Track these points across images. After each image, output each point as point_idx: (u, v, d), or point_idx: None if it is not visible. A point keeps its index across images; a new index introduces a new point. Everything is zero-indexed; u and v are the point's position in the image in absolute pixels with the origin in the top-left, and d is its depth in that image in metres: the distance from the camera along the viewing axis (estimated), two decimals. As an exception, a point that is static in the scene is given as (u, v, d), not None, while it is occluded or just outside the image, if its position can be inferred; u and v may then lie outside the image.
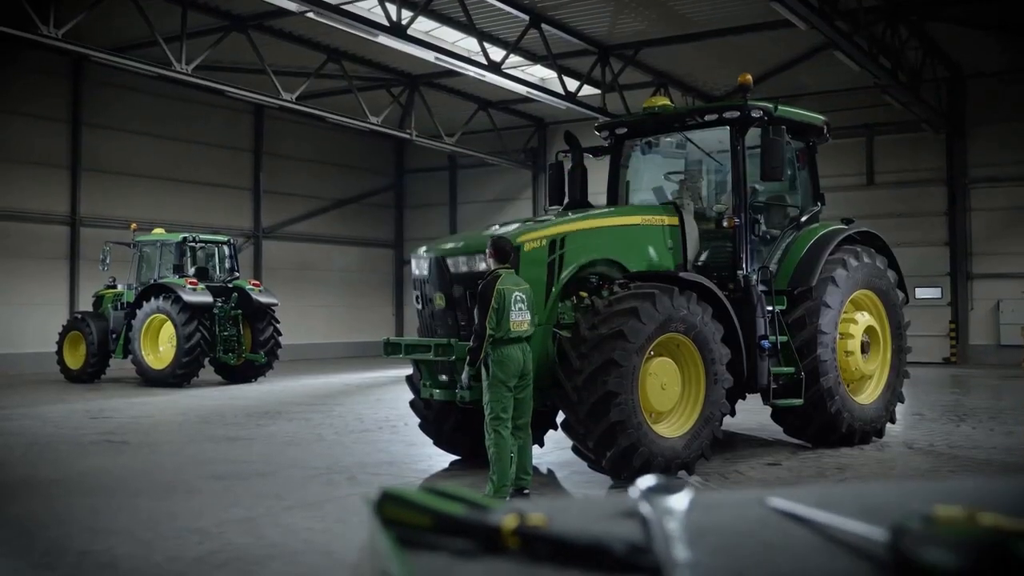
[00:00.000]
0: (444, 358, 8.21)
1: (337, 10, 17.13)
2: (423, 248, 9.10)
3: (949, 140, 25.63)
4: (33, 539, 6.61)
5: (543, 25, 21.17)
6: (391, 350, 8.77)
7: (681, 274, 9.04)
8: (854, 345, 10.45)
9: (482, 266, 8.39)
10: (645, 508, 1.01)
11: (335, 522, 7.04)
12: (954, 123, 25.37)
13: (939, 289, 25.14)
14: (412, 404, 9.66)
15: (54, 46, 17.99)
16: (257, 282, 21.25)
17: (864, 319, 10.66)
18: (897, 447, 10.39)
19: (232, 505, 7.62)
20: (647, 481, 1.09)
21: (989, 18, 21.21)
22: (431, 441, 9.84)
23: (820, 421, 10.10)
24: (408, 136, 26.32)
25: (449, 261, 8.58)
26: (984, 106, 25.29)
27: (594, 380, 8.05)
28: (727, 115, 9.85)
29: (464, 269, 8.50)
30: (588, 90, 24.05)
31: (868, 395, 10.73)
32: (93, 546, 6.35)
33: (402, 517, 0.97)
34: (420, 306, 8.94)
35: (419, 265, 8.90)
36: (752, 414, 12.22)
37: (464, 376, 7.84)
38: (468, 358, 7.75)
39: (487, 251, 8.01)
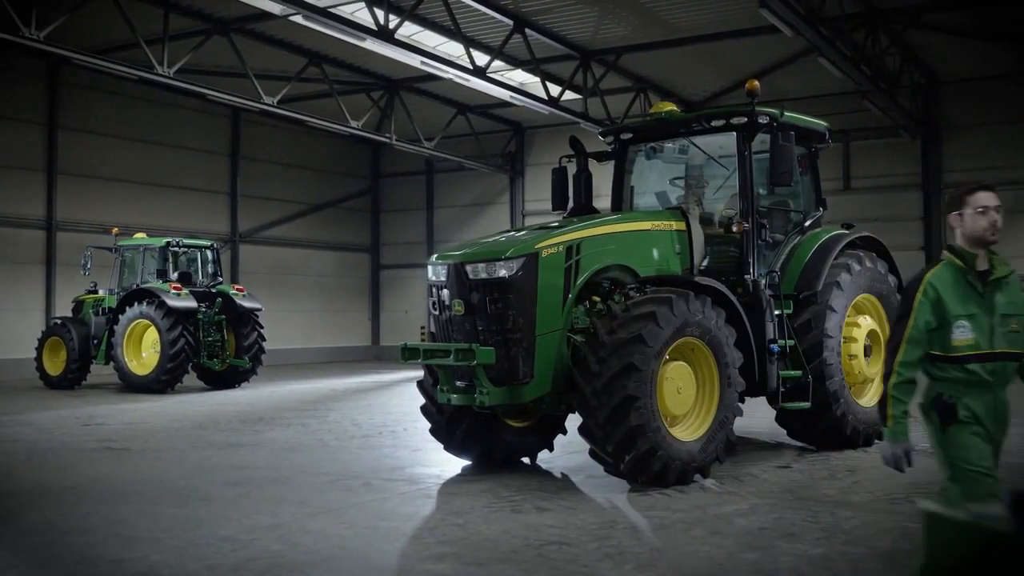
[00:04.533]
0: (465, 363, 8.21)
1: (325, 14, 17.09)
2: (436, 255, 9.08)
3: (924, 145, 25.98)
4: (62, 548, 6.55)
5: (526, 30, 21.23)
6: (409, 355, 8.76)
7: (696, 278, 9.10)
8: (857, 349, 10.57)
9: (501, 272, 8.41)
10: None
11: (364, 528, 7.01)
12: (929, 128, 25.73)
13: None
14: (423, 409, 9.65)
15: (34, 48, 17.77)
16: (241, 287, 21.09)
17: (866, 323, 10.78)
18: (900, 449, 10.50)
19: (255, 512, 7.57)
20: None
21: (964, 25, 21.54)
22: (437, 446, 9.84)
23: (826, 424, 10.20)
24: (387, 140, 26.27)
25: (468, 267, 8.57)
26: (959, 112, 25.67)
27: (613, 384, 8.09)
28: (734, 121, 9.92)
29: (483, 275, 8.49)
30: (568, 95, 24.14)
31: (870, 398, 10.83)
32: (126, 554, 6.29)
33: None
34: (436, 312, 8.93)
35: (436, 271, 8.89)
36: (745, 418, 12.30)
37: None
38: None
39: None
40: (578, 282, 8.79)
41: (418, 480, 9.06)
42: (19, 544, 6.70)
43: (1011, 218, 25.01)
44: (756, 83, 9.91)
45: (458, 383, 8.65)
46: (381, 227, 35.03)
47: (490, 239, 9.26)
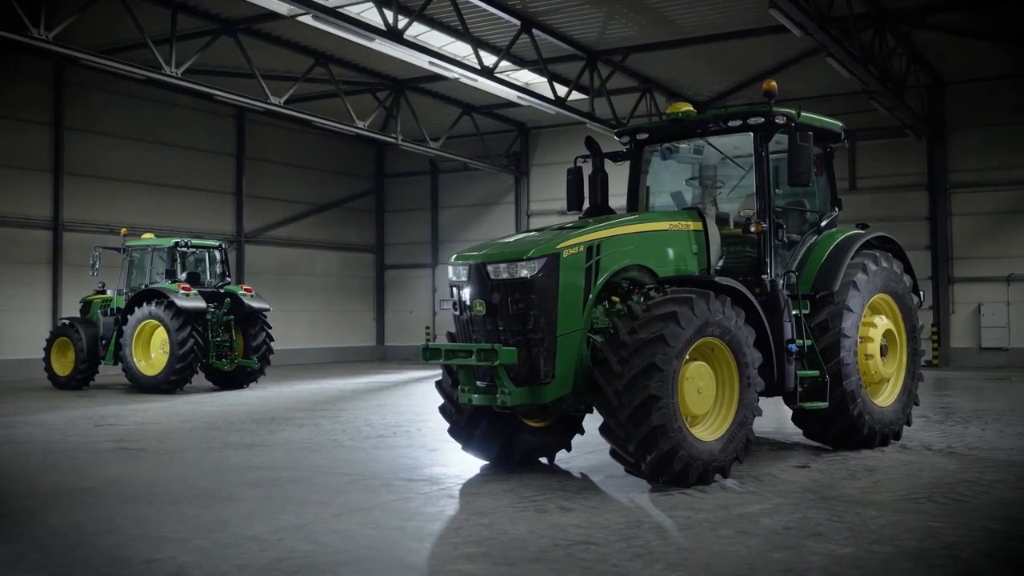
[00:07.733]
0: (488, 363, 8.22)
1: (335, 14, 17.10)
2: (456, 255, 9.08)
3: (930, 145, 26.05)
4: (90, 548, 6.54)
5: (533, 30, 21.25)
6: (430, 355, 8.76)
7: (716, 278, 9.11)
8: (873, 348, 10.58)
9: (523, 272, 8.42)
10: None
11: (391, 529, 7.01)
12: (935, 129, 25.77)
13: (921, 293, 25.41)
14: (442, 409, 9.65)
15: (40, 48, 17.80)
16: (249, 287, 21.08)
17: (882, 323, 10.81)
18: (917, 449, 10.53)
19: (279, 512, 7.57)
20: None
21: (970, 27, 21.58)
22: (453, 445, 9.85)
23: (842, 424, 10.21)
24: (393, 140, 26.29)
25: (490, 268, 8.58)
26: (964, 112, 25.75)
27: (635, 384, 8.09)
28: (751, 121, 9.93)
29: (505, 276, 8.50)
30: (574, 95, 24.16)
31: (885, 398, 10.86)
32: (155, 555, 6.30)
33: None
34: (457, 312, 8.93)
35: (456, 271, 8.89)
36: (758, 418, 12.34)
37: None
38: None
39: None
40: (598, 282, 8.81)
41: (438, 480, 9.06)
42: (46, 545, 6.69)
43: (1016, 218, 25.14)
44: (774, 83, 9.92)
45: (479, 383, 8.66)
46: (386, 227, 35.08)
47: (510, 239, 9.26)
